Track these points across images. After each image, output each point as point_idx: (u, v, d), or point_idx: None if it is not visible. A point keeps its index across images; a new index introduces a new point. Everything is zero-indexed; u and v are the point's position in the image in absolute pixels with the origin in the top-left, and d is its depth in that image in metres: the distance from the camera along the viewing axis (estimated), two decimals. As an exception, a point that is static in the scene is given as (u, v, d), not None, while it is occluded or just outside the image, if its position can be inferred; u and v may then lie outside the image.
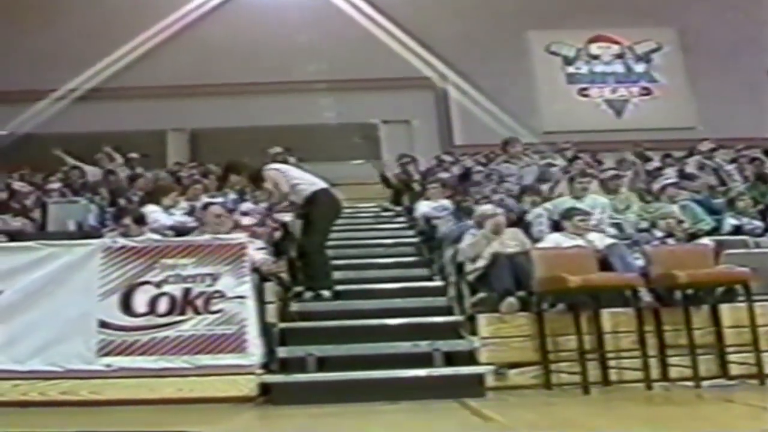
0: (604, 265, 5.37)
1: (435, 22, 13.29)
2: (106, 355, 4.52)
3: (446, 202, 7.62)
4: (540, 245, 5.81)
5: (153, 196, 6.98)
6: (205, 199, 7.12)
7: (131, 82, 12.68)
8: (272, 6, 13.36)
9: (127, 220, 5.91)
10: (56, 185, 8.49)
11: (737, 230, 6.71)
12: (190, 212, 6.79)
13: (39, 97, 12.64)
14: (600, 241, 5.80)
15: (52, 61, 12.43)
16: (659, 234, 6.29)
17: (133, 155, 10.59)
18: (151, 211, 6.50)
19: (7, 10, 12.73)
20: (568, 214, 6.04)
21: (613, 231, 6.39)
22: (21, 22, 12.74)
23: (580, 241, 5.78)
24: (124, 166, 10.24)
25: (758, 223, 6.85)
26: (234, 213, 6.96)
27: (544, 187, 7.60)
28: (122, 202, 7.46)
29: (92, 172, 9.82)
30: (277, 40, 12.86)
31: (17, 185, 8.71)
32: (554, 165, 8.84)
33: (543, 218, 6.49)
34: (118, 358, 4.52)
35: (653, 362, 4.78)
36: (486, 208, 6.24)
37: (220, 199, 7.28)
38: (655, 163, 9.68)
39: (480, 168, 9.48)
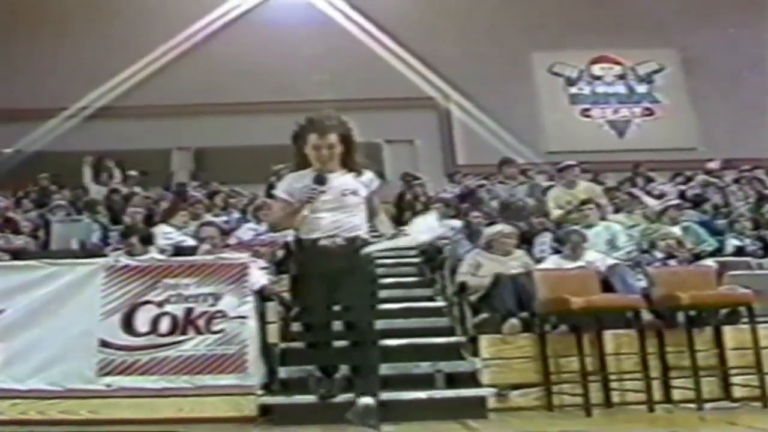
0: (606, 285, 5.36)
1: (438, 43, 13.37)
2: (107, 374, 4.51)
3: (450, 222, 7.60)
4: (542, 266, 5.81)
5: (165, 216, 7.01)
6: (208, 218, 7.12)
7: (136, 102, 12.76)
8: (277, 26, 13.46)
9: (134, 239, 5.92)
10: (62, 202, 8.50)
11: (739, 251, 6.70)
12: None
13: (45, 116, 12.71)
14: (601, 262, 5.79)
15: (58, 81, 12.52)
16: (660, 255, 6.28)
17: (133, 173, 10.65)
18: (164, 231, 6.54)
19: (14, 31, 12.85)
20: (564, 236, 6.05)
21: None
22: (28, 41, 12.85)
23: (580, 263, 5.78)
24: (122, 183, 10.35)
25: (760, 244, 6.85)
26: (237, 232, 6.98)
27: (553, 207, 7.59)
28: (127, 220, 7.47)
29: (95, 191, 9.87)
30: (281, 60, 12.95)
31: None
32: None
33: (547, 239, 6.49)
34: (119, 378, 4.51)
35: (656, 384, 4.75)
36: (502, 227, 6.19)
37: (223, 218, 7.29)
38: (658, 185, 9.69)
39: (484, 182, 9.51)
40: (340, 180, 3.80)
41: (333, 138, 3.76)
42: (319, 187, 3.65)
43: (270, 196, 8.28)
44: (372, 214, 3.99)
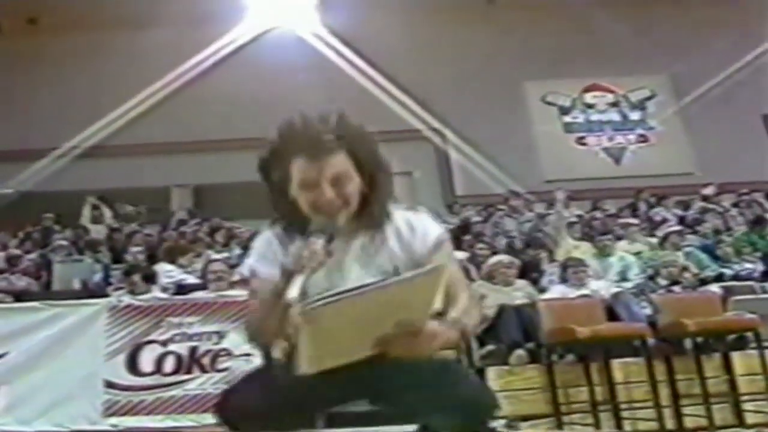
0: (611, 314, 5.35)
1: (431, 75, 13.45)
2: (112, 415, 4.50)
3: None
4: (546, 296, 5.80)
5: (169, 255, 7.00)
6: (213, 255, 7.09)
7: (133, 140, 12.78)
8: (272, 63, 13.57)
9: (136, 277, 5.91)
10: (63, 242, 8.46)
11: (735, 276, 6.69)
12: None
13: (42, 156, 12.72)
14: (606, 290, 5.78)
15: (55, 119, 12.55)
16: (663, 282, 6.27)
17: (130, 208, 10.61)
18: (166, 270, 6.52)
19: (8, 69, 12.93)
20: (567, 264, 6.06)
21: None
22: (23, 81, 12.93)
23: (585, 291, 5.77)
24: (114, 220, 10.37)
25: (750, 266, 6.86)
26: (239, 268, 6.95)
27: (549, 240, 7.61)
28: (129, 258, 7.45)
29: (96, 230, 9.86)
30: (277, 95, 12.97)
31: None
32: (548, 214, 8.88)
33: (556, 269, 6.48)
34: (124, 419, 4.49)
35: (667, 412, 4.72)
36: (501, 258, 6.18)
37: (225, 255, 7.27)
38: (660, 211, 9.73)
39: (479, 219, 9.56)
40: (360, 248, 1.84)
41: (340, 162, 1.78)
42: (321, 243, 1.68)
43: None
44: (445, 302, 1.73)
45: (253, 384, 1.80)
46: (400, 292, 1.51)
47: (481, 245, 7.21)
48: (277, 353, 1.68)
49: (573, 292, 5.79)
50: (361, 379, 1.72)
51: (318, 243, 1.67)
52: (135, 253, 7.35)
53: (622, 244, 7.45)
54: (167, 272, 6.49)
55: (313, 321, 1.46)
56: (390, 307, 1.51)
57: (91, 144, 12.97)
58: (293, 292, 1.58)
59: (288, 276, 1.63)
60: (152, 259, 7.21)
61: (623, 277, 6.47)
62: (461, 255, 7.37)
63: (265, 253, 1.88)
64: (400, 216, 1.89)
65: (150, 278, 5.92)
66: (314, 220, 1.76)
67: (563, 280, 6.01)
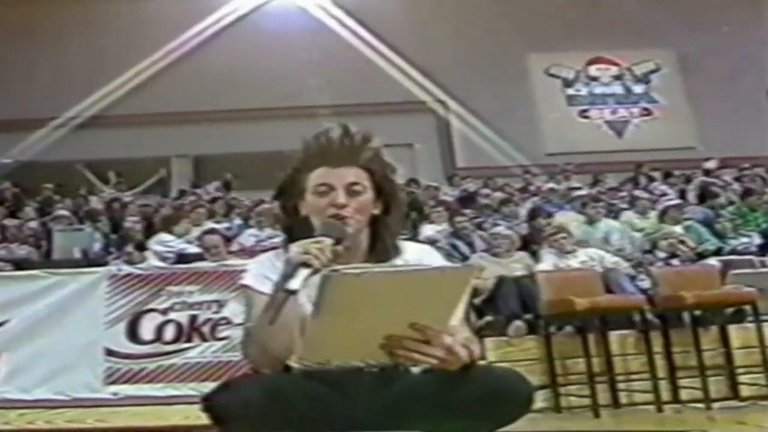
0: (607, 287, 5.37)
1: (434, 47, 13.36)
2: (113, 383, 4.52)
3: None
4: (540, 266, 5.83)
5: (165, 224, 6.99)
6: (210, 224, 7.08)
7: (133, 109, 12.72)
8: (274, 33, 13.47)
9: (130, 247, 5.93)
10: (63, 212, 8.45)
11: (734, 250, 6.70)
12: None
13: (41, 125, 12.68)
14: (598, 261, 5.79)
15: (55, 88, 12.49)
16: (662, 255, 6.29)
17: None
18: (164, 240, 6.52)
19: (7, 39, 12.83)
20: (552, 232, 6.09)
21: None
22: (22, 50, 12.83)
23: (575, 259, 5.78)
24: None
25: (745, 240, 6.86)
26: (239, 238, 6.97)
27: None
28: (128, 226, 7.45)
29: (95, 200, 9.86)
30: (279, 66, 12.94)
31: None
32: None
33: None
34: (125, 386, 4.52)
35: (663, 384, 4.76)
36: (500, 229, 6.20)
37: (225, 225, 7.27)
38: (659, 185, 9.71)
39: (486, 191, 9.53)
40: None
41: (358, 174, 1.80)
42: (330, 242, 1.64)
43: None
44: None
45: (251, 382, 1.68)
46: (429, 284, 1.44)
47: (459, 218, 7.16)
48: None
49: (563, 261, 5.81)
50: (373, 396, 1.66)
51: (327, 240, 1.63)
52: (132, 222, 7.34)
53: (631, 216, 7.47)
54: (166, 242, 6.48)
55: (335, 287, 1.39)
56: (412, 301, 1.42)
57: (91, 114, 12.92)
58: (296, 283, 1.53)
59: (293, 268, 1.56)
60: (150, 228, 7.19)
61: (607, 242, 6.54)
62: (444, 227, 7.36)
63: (260, 271, 1.79)
64: (410, 246, 1.90)
65: (144, 247, 5.93)
66: (323, 225, 1.72)
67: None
